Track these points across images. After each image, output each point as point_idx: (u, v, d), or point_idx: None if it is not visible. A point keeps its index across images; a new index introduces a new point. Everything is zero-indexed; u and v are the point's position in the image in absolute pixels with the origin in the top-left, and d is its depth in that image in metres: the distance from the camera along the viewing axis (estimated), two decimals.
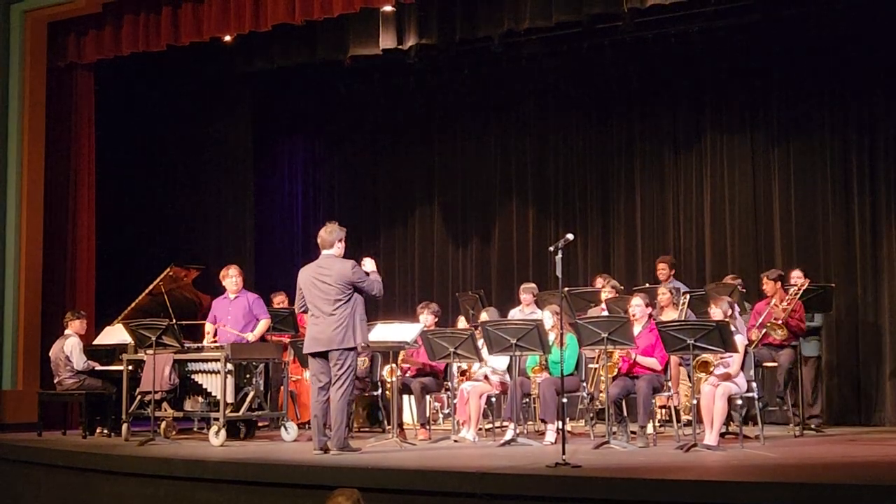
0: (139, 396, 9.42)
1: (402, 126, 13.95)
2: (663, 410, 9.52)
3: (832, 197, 11.20)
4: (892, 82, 10.85)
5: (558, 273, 7.46)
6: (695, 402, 7.99)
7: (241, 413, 9.13)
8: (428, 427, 9.54)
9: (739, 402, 8.34)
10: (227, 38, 11.46)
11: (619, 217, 12.51)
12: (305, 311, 8.16)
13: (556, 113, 12.97)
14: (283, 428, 9.35)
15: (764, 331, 9.27)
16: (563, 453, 6.77)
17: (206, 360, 9.21)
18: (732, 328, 7.97)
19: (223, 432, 8.78)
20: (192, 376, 9.34)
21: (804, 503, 5.61)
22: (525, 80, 13.02)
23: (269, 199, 14.34)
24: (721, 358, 8.09)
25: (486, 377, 9.32)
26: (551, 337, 8.53)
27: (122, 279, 12.13)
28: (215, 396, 9.13)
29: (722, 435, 8.36)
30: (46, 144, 12.01)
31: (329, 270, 7.96)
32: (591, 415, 9.29)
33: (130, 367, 9.56)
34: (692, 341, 7.67)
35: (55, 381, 10.20)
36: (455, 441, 8.89)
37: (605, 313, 9.50)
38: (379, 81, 13.78)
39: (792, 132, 11.52)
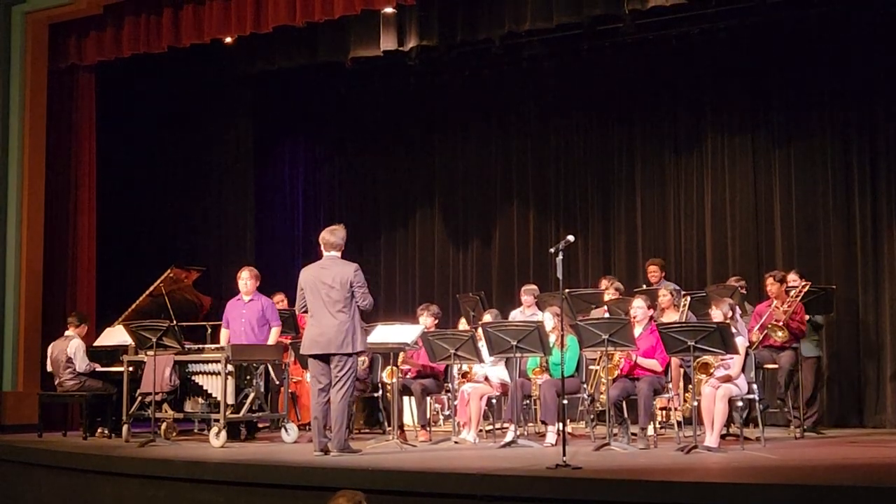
0: (140, 398, 9.43)
1: (402, 127, 13.95)
2: (663, 412, 9.50)
3: (833, 198, 11.19)
4: (892, 84, 10.85)
5: (559, 275, 7.46)
6: (695, 403, 7.99)
7: (241, 414, 9.13)
8: (428, 429, 9.54)
9: (740, 403, 8.34)
10: (228, 39, 11.47)
11: (620, 218, 12.51)
12: (306, 312, 8.15)
13: (556, 114, 12.97)
14: (283, 429, 9.35)
15: (765, 333, 9.27)
16: (564, 455, 6.76)
17: (207, 362, 9.21)
18: (733, 330, 7.97)
19: (224, 433, 8.78)
20: (193, 377, 9.34)
21: None
22: (526, 82, 13.03)
23: (270, 201, 14.34)
24: (722, 360, 8.09)
25: (486, 378, 9.32)
26: (552, 338, 8.53)
27: (123, 280, 12.14)
28: (216, 398, 9.13)
29: (722, 437, 8.37)
30: (47, 145, 12.01)
31: (332, 272, 7.95)
32: (592, 416, 9.29)
33: (131, 369, 9.56)
34: (693, 343, 7.67)
35: (55, 383, 10.20)
36: (455, 442, 8.89)
37: (607, 315, 9.50)
38: (380, 83, 13.79)
39: (792, 134, 11.52)
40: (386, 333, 9.06)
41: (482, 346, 8.76)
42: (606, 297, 9.97)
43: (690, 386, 8.28)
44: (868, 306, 10.88)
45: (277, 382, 9.84)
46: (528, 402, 9.18)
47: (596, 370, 8.92)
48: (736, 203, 11.76)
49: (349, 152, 14.41)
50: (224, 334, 9.69)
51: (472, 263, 13.43)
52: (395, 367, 9.06)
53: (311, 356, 7.99)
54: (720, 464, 7.24)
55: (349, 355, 7.90)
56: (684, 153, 12.18)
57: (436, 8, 10.90)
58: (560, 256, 7.45)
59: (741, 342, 8.15)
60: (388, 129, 14.02)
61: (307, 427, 9.79)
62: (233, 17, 10.96)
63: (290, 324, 10.24)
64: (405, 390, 9.47)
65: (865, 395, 10.83)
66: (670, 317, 9.30)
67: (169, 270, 10.53)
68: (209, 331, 10.71)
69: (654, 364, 8.35)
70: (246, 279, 9.61)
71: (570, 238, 7.74)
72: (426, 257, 13.72)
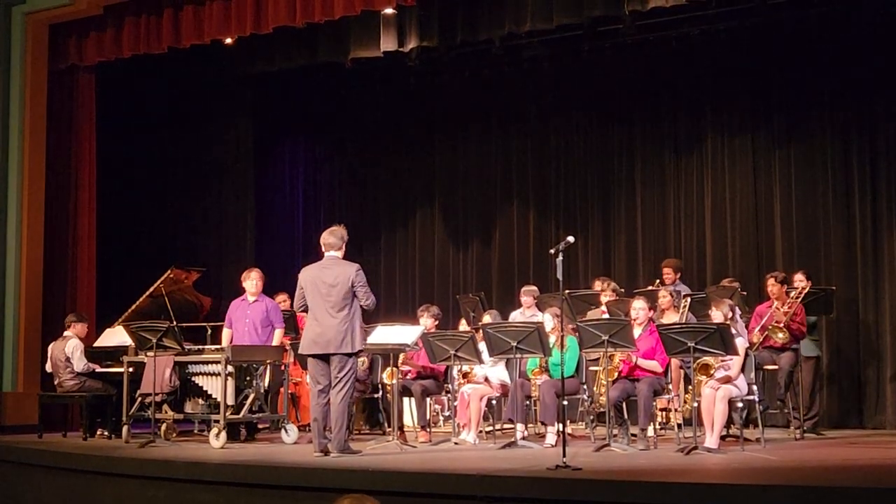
0: (139, 398, 9.42)
1: (402, 128, 13.95)
2: (663, 413, 9.50)
3: (833, 199, 11.19)
4: (892, 84, 10.85)
5: (559, 275, 7.46)
6: (695, 405, 7.99)
7: (241, 415, 9.12)
8: (428, 429, 9.54)
9: (740, 404, 8.34)
10: (228, 40, 11.48)
11: (620, 219, 12.51)
12: (305, 311, 8.16)
13: (556, 115, 12.97)
14: (283, 430, 9.35)
15: (765, 334, 9.26)
16: (564, 456, 6.76)
17: (207, 363, 9.21)
18: (733, 331, 7.97)
19: (223, 434, 8.77)
20: (193, 378, 9.33)
21: None
22: (526, 83, 13.03)
23: (270, 201, 14.35)
24: (722, 361, 8.09)
25: (486, 379, 9.33)
26: (552, 339, 8.53)
27: (123, 281, 12.14)
28: (216, 398, 9.12)
29: (722, 438, 8.37)
30: (47, 146, 12.02)
31: (334, 272, 7.96)
32: (592, 417, 9.28)
33: (131, 369, 9.55)
34: (693, 344, 7.67)
35: (55, 383, 10.20)
36: (455, 443, 8.88)
37: (606, 316, 9.50)
38: (380, 83, 13.79)
39: (792, 134, 11.52)
40: (386, 334, 9.06)
41: (482, 347, 8.77)
42: (604, 299, 9.96)
43: (690, 387, 8.28)
44: (868, 307, 10.88)
45: (266, 387, 9.83)
46: (528, 402, 9.18)
47: (596, 371, 8.92)
48: (736, 203, 11.76)
49: (349, 153, 14.42)
50: (226, 334, 9.70)
51: (472, 264, 13.44)
52: (395, 368, 9.05)
53: (310, 356, 7.99)
54: (720, 465, 7.24)
55: (349, 355, 7.91)
56: (684, 153, 12.18)
57: (436, 9, 10.90)
58: (560, 257, 7.45)
59: (741, 343, 8.15)
60: (389, 129, 14.02)
61: (307, 428, 9.79)
62: (233, 18, 10.97)
63: (290, 324, 10.24)
64: (405, 391, 9.47)
65: (865, 396, 10.83)
66: (670, 318, 9.30)
67: (169, 271, 10.54)
68: (209, 331, 10.71)
69: (654, 365, 8.35)
70: (255, 280, 9.63)
71: (570, 239, 7.75)
72: (426, 258, 13.71)
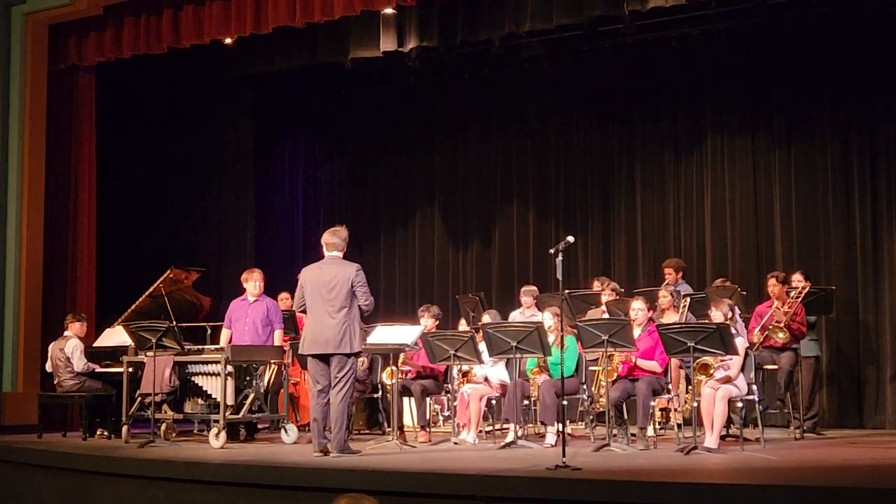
0: (139, 398, 9.42)
1: (402, 128, 13.96)
2: (663, 413, 9.49)
3: (832, 199, 11.19)
4: (892, 84, 10.85)
5: (559, 275, 7.46)
6: (695, 404, 7.99)
7: (241, 415, 9.12)
8: (428, 429, 9.54)
9: (740, 404, 8.34)
10: (228, 40, 11.48)
11: (620, 219, 12.51)
12: (304, 311, 8.16)
13: (556, 115, 12.97)
14: (283, 430, 9.35)
15: (766, 333, 9.26)
16: (564, 456, 6.76)
17: (207, 363, 9.21)
18: (733, 330, 7.97)
19: (223, 434, 8.77)
20: (193, 378, 9.33)
21: None
22: (526, 83, 13.03)
23: (270, 201, 14.35)
24: (721, 361, 8.09)
25: (486, 379, 9.33)
26: (550, 338, 8.53)
27: (123, 281, 12.14)
28: (215, 398, 9.12)
29: (722, 437, 8.36)
30: (47, 146, 12.02)
31: (334, 272, 7.97)
32: (592, 417, 9.28)
33: (130, 369, 9.55)
34: (692, 344, 7.66)
35: (55, 383, 10.20)
36: (455, 443, 8.88)
37: (606, 315, 9.50)
38: (380, 83, 13.79)
39: (792, 134, 11.52)
40: (386, 334, 9.06)
41: (482, 347, 8.76)
42: (604, 298, 9.96)
43: (690, 387, 8.27)
44: (868, 307, 10.88)
45: (269, 387, 9.83)
46: (527, 402, 9.18)
47: (596, 371, 8.92)
48: (736, 203, 11.76)
49: (349, 153, 14.42)
50: (225, 334, 9.70)
51: (471, 264, 13.44)
52: (394, 368, 9.05)
53: (310, 356, 7.99)
54: (720, 465, 7.24)
55: (349, 355, 7.92)
56: (684, 154, 12.18)
57: (436, 9, 10.89)
58: (560, 257, 7.44)
59: (740, 343, 8.15)
60: (388, 129, 14.02)
61: (307, 428, 9.78)
62: (233, 18, 10.97)
63: (290, 324, 10.24)
64: (405, 391, 9.47)
65: (865, 396, 10.83)
66: (670, 318, 9.29)
67: (169, 271, 10.53)
68: (209, 331, 10.71)
69: (653, 365, 8.35)
70: (257, 281, 9.64)
71: (570, 239, 7.75)
72: (426, 258, 13.72)
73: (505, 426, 9.24)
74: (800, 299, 9.41)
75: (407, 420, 10.11)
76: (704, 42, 11.74)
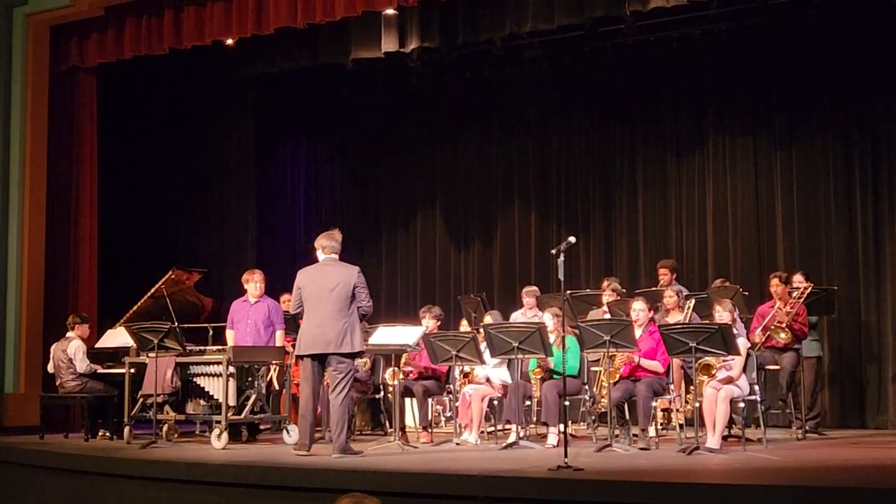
0: (141, 399, 9.42)
1: (404, 129, 13.96)
2: (664, 414, 9.49)
3: (834, 199, 11.19)
4: (893, 85, 10.85)
5: (560, 276, 7.46)
6: (697, 405, 7.98)
7: (242, 416, 9.12)
8: (430, 430, 9.53)
9: (742, 405, 8.34)
10: (230, 41, 11.48)
11: (622, 220, 12.51)
12: (299, 315, 8.17)
13: (557, 116, 12.97)
14: (284, 431, 9.34)
15: (767, 334, 9.26)
16: (566, 456, 6.76)
17: (209, 363, 9.21)
18: (734, 331, 7.96)
19: (225, 435, 8.77)
20: (194, 379, 9.33)
21: None
22: (527, 83, 13.03)
23: (271, 202, 14.35)
24: (724, 361, 8.08)
25: (487, 380, 9.32)
26: (551, 339, 8.53)
27: (124, 282, 12.13)
28: (217, 399, 9.12)
29: (724, 438, 8.36)
30: (49, 147, 12.02)
31: (335, 274, 8.02)
32: (594, 418, 9.28)
33: (132, 370, 9.55)
34: (694, 344, 7.66)
35: (57, 384, 10.20)
36: (457, 444, 8.88)
37: (607, 316, 9.49)
38: (381, 84, 13.79)
39: (794, 135, 11.52)
40: (387, 335, 9.07)
41: (483, 347, 8.77)
42: (605, 299, 9.95)
43: (692, 387, 8.27)
44: (869, 307, 10.87)
45: (276, 387, 9.82)
46: (529, 403, 9.18)
47: (598, 371, 8.91)
48: (737, 204, 11.76)
49: (350, 153, 14.42)
50: (230, 335, 9.71)
51: (473, 265, 13.43)
52: (396, 369, 9.05)
53: (308, 356, 8.00)
54: (722, 465, 7.24)
55: (350, 356, 7.95)
56: (686, 154, 12.18)
57: (437, 9, 10.89)
58: (561, 258, 7.44)
59: (742, 343, 8.14)
60: (390, 130, 14.03)
61: None
62: (234, 19, 10.97)
63: (292, 325, 10.22)
64: (407, 392, 9.47)
65: (867, 397, 10.82)
66: (675, 318, 9.28)
67: (170, 272, 10.54)
68: (211, 332, 10.71)
69: (656, 366, 8.35)
70: (258, 282, 9.65)
71: (572, 239, 7.74)
72: (427, 259, 13.72)
73: (507, 427, 9.24)
74: (802, 300, 9.40)
75: (409, 421, 10.11)
76: (706, 42, 11.74)
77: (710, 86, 12.02)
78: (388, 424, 10.09)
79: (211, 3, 11.08)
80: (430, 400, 9.62)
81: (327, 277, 8.01)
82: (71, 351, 10.06)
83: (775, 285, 9.48)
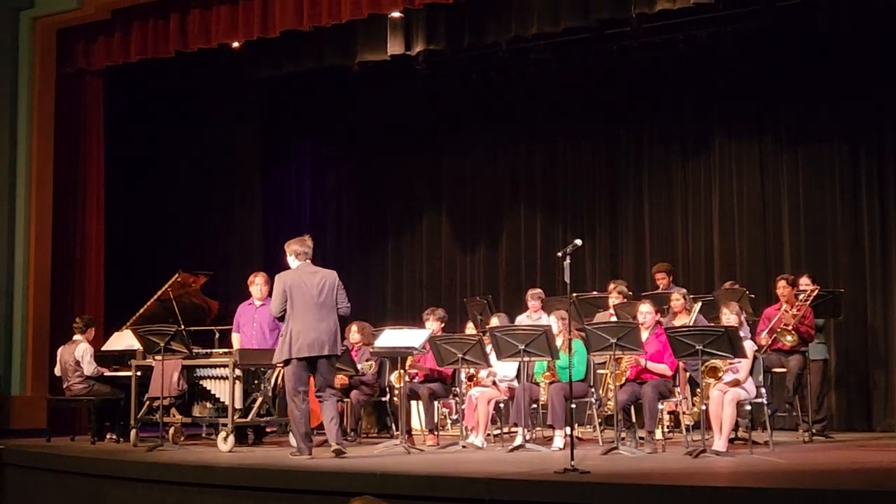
0: (147, 402, 9.43)
1: (409, 131, 13.96)
2: (671, 416, 9.47)
3: (840, 202, 11.17)
4: None
5: (566, 279, 7.46)
6: (703, 408, 7.97)
7: (249, 419, 9.13)
8: (436, 433, 9.53)
9: (748, 407, 8.32)
10: (236, 44, 11.48)
11: (628, 222, 12.50)
12: (282, 318, 8.19)
13: (563, 118, 12.96)
14: (290, 434, 9.33)
15: (774, 336, 9.24)
16: (572, 459, 6.76)
17: (215, 366, 9.21)
18: (741, 333, 7.95)
19: (231, 438, 8.78)
20: (201, 382, 9.34)
21: None
22: (533, 86, 13.02)
23: (277, 205, 14.37)
24: (730, 364, 8.06)
25: (494, 383, 9.32)
26: (558, 342, 8.52)
27: (131, 285, 12.14)
28: (223, 402, 9.12)
29: (731, 441, 8.33)
30: (55, 150, 12.04)
31: (320, 278, 8.22)
32: (600, 420, 9.27)
33: (139, 373, 9.56)
34: (701, 347, 7.64)
35: (64, 387, 10.22)
36: (463, 447, 8.88)
37: (614, 319, 9.48)
38: (387, 87, 13.79)
39: (800, 137, 11.50)
40: (394, 337, 9.07)
41: (489, 350, 8.76)
42: (612, 301, 9.94)
43: (698, 390, 8.26)
44: (876, 310, 10.85)
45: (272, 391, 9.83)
46: (535, 406, 9.17)
47: (604, 374, 8.91)
48: (743, 207, 11.74)
49: (356, 156, 14.43)
50: (236, 338, 9.72)
51: (479, 267, 13.43)
52: (402, 372, 9.06)
53: (298, 360, 8.03)
54: (728, 468, 7.22)
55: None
56: (691, 156, 12.17)
57: (443, 12, 10.88)
58: (567, 260, 7.44)
59: (749, 346, 8.13)
60: (395, 132, 14.03)
61: (315, 431, 9.78)
62: (240, 22, 10.98)
63: None
64: (413, 394, 9.47)
65: (874, 399, 10.80)
66: (682, 321, 9.27)
67: (176, 275, 10.54)
68: (217, 335, 10.71)
69: (664, 368, 8.34)
70: (260, 285, 9.67)
71: (578, 242, 7.74)
72: (433, 261, 13.72)
73: (513, 429, 9.24)
74: (808, 302, 9.39)
75: (415, 423, 10.12)
76: (712, 44, 11.71)
77: (716, 88, 12.00)
78: (394, 427, 10.09)
79: (217, 6, 11.09)
80: (435, 403, 9.62)
81: (314, 281, 8.17)
82: (78, 354, 10.07)
83: (782, 287, 9.45)
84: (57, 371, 10.35)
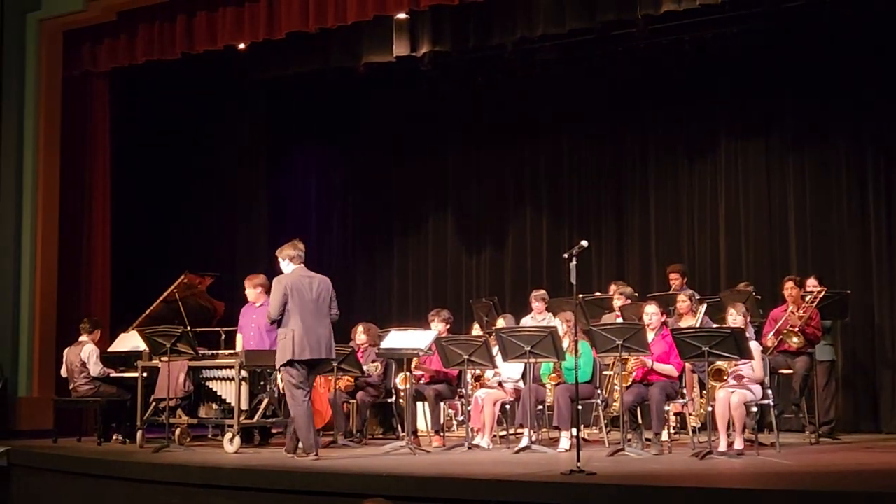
0: (154, 403, 9.44)
1: (415, 133, 13.97)
2: (677, 418, 9.46)
3: (847, 203, 11.15)
4: None
5: (573, 280, 7.45)
6: (710, 409, 7.96)
7: (255, 420, 9.13)
8: (442, 434, 9.53)
9: (755, 409, 8.31)
10: (242, 45, 11.49)
11: (633, 224, 12.49)
12: (278, 322, 8.18)
13: (569, 120, 12.96)
14: (287, 434, 9.34)
15: (780, 338, 9.22)
16: (578, 460, 6.75)
17: (221, 367, 9.23)
18: (747, 334, 7.94)
19: (237, 439, 8.79)
20: (207, 383, 9.36)
21: None
22: (538, 87, 13.01)
23: (284, 206, 14.37)
24: (735, 366, 8.05)
25: (500, 384, 9.32)
26: (564, 343, 8.51)
27: (137, 286, 12.16)
28: (229, 403, 9.14)
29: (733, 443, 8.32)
30: (62, 152, 12.04)
31: (317, 282, 8.33)
32: (606, 422, 9.26)
33: (145, 374, 9.58)
34: (707, 348, 7.63)
35: (70, 388, 10.23)
36: (469, 448, 8.88)
37: (620, 320, 9.47)
38: (392, 88, 13.79)
39: (807, 138, 11.49)
40: (399, 339, 9.07)
41: (496, 351, 8.76)
42: (617, 303, 9.93)
43: (705, 391, 8.25)
44: (883, 311, 10.83)
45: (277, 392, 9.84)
46: (541, 407, 9.17)
47: (610, 375, 8.90)
48: (750, 208, 11.73)
49: (362, 158, 14.43)
50: (239, 340, 9.73)
51: (485, 269, 13.43)
52: (408, 373, 9.05)
53: (300, 362, 8.06)
54: (735, 470, 7.21)
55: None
56: (698, 158, 12.16)
57: (448, 14, 10.88)
58: (573, 262, 7.44)
59: (755, 347, 8.12)
60: (401, 134, 14.04)
61: (321, 432, 9.79)
62: (246, 24, 10.99)
63: None
64: (419, 396, 9.47)
65: (881, 401, 10.78)
66: (688, 322, 9.26)
67: (183, 276, 10.55)
68: (223, 336, 10.71)
69: (670, 369, 8.33)
70: (250, 287, 9.70)
71: (584, 243, 7.73)
72: (439, 263, 13.72)
73: (519, 431, 9.23)
74: (815, 303, 9.37)
75: (421, 425, 10.11)
76: (718, 46, 11.70)
77: (722, 89, 11.99)
78: (399, 428, 10.09)
79: (223, 8, 11.10)
80: (441, 404, 9.62)
81: (312, 285, 8.27)
82: (84, 355, 10.09)
83: (789, 289, 9.42)
84: (63, 372, 10.37)
